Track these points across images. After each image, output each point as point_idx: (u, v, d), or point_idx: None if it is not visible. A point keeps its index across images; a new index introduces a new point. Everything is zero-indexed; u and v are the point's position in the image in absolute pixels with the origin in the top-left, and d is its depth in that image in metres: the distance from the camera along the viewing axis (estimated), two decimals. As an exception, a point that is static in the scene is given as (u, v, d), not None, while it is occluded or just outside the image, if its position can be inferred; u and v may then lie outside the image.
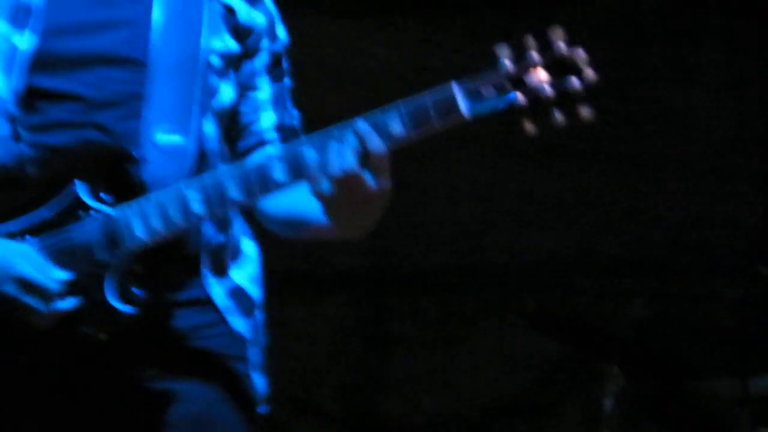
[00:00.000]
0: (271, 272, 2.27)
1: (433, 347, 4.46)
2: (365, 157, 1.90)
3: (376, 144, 1.89)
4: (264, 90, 2.22)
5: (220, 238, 2.15)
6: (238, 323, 2.18)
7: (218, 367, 2.14)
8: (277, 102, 2.24)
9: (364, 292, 4.59)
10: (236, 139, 2.22)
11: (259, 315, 2.24)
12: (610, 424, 3.46)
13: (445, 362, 4.47)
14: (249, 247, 2.22)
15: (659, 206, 4.44)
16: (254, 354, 2.20)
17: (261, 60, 2.20)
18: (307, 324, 4.67)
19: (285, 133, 2.23)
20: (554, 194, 4.52)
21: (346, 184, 1.91)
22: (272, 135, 2.21)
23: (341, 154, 1.91)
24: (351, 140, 1.90)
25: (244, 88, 2.21)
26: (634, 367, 3.51)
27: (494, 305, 4.46)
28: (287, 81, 2.25)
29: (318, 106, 2.45)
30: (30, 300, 2.01)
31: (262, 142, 2.20)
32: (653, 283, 4.36)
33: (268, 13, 2.22)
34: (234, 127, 2.22)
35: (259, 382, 2.19)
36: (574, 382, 4.35)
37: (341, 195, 1.94)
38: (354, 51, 4.58)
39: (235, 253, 2.20)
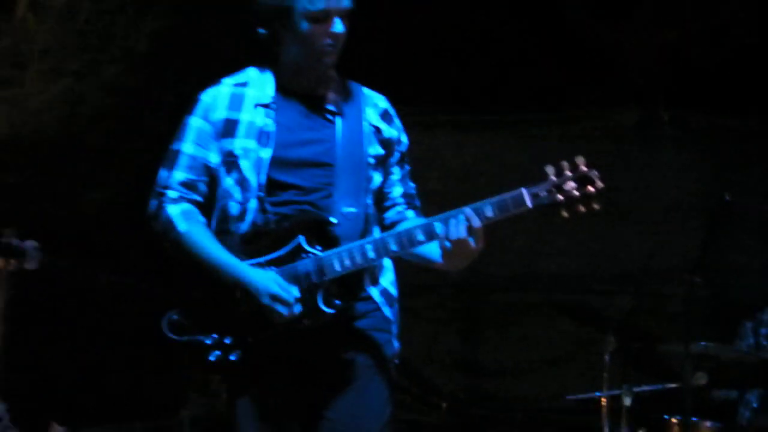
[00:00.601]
0: (402, 281, 2.93)
1: (504, 329, 5.59)
2: (470, 229, 2.56)
3: (476, 222, 2.57)
4: (396, 173, 2.89)
5: (375, 262, 2.74)
6: (387, 311, 2.82)
7: (372, 337, 2.78)
8: (403, 180, 2.90)
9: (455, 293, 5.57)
10: (380, 203, 2.86)
11: (396, 305, 2.86)
12: (608, 371, 4.43)
13: (507, 335, 5.65)
14: (387, 263, 2.86)
15: (634, 242, 5.52)
16: (395, 328, 2.84)
17: (395, 157, 2.88)
18: (424, 313, 5.59)
19: (408, 198, 2.90)
20: (569, 240, 5.52)
21: (459, 244, 2.58)
22: (401, 200, 2.89)
23: (457, 227, 2.56)
24: (462, 219, 2.57)
25: (385, 174, 2.86)
26: (622, 335, 4.40)
27: (536, 304, 5.61)
28: (407, 167, 2.91)
29: (425, 186, 3.07)
30: (278, 307, 2.62)
31: (394, 205, 2.88)
32: (633, 287, 5.34)
33: (398, 128, 2.89)
34: (379, 197, 2.86)
35: (396, 345, 2.85)
36: (585, 346, 5.46)
37: (454, 250, 2.59)
38: (455, 153, 5.56)
39: (381, 268, 2.83)
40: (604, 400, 4.47)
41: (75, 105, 5.32)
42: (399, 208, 2.85)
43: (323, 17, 2.68)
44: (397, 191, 2.86)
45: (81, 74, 5.24)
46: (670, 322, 4.98)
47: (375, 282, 2.78)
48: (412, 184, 2.90)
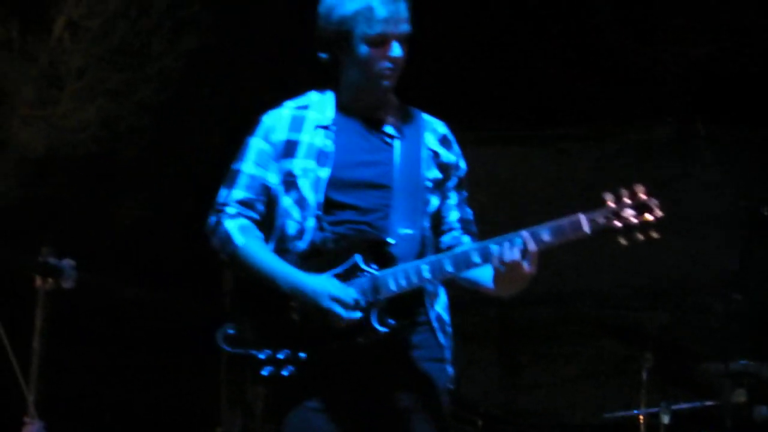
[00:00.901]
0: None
1: (541, 345, 5.69)
2: (525, 252, 2.54)
3: (532, 246, 2.55)
4: (452, 198, 2.88)
5: (430, 287, 2.77)
6: (441, 337, 2.80)
7: (427, 367, 2.76)
8: (459, 205, 2.89)
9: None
10: (437, 228, 2.86)
11: (449, 330, 2.84)
12: (646, 388, 4.45)
13: (544, 351, 5.75)
14: (441, 290, 2.84)
15: (671, 257, 5.46)
16: (448, 354, 2.82)
17: (452, 182, 2.87)
18: (461, 329, 5.87)
19: (464, 223, 2.89)
20: (605, 255, 5.42)
21: (512, 267, 2.55)
22: (457, 225, 2.88)
23: (512, 250, 2.55)
24: (518, 242, 2.55)
25: (443, 198, 2.86)
26: (660, 352, 4.42)
27: (573, 320, 5.67)
28: (465, 192, 2.90)
29: (485, 210, 3.15)
30: (336, 308, 2.63)
31: (451, 229, 2.87)
32: (670, 302, 5.37)
33: (456, 153, 2.89)
34: (436, 221, 2.85)
35: (450, 370, 2.82)
36: (623, 363, 5.44)
37: (508, 273, 2.57)
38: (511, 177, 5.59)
39: (436, 295, 2.81)
40: (642, 418, 4.46)
41: (111, 124, 5.38)
42: (455, 233, 2.88)
43: (381, 41, 2.73)
44: (453, 216, 2.89)
45: (117, 93, 5.30)
46: (707, 338, 4.99)
47: (430, 307, 2.80)
48: (469, 210, 2.92)
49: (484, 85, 5.57)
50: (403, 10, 2.74)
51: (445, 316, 2.83)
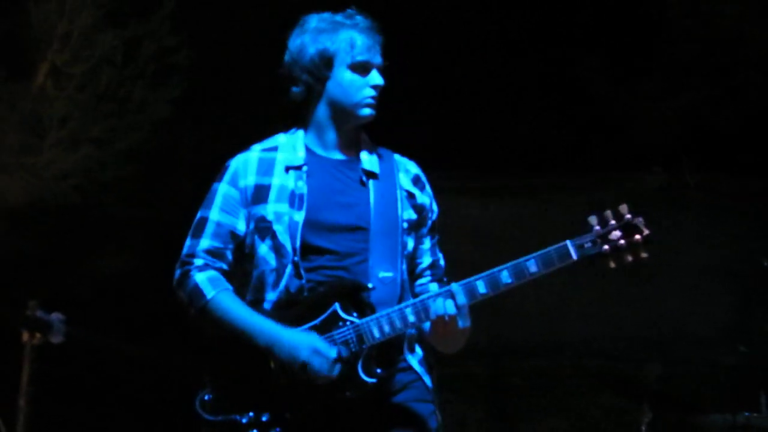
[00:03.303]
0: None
1: (534, 398, 5.61)
2: (458, 306, 2.49)
3: (462, 299, 2.50)
4: (425, 243, 2.81)
5: (412, 331, 2.69)
6: (427, 379, 2.73)
7: (420, 407, 2.69)
8: (432, 249, 2.82)
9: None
10: (411, 271, 2.78)
11: (434, 374, 2.76)
12: None
13: (539, 404, 5.66)
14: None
15: (662, 306, 5.48)
16: (434, 398, 2.74)
17: (426, 225, 2.80)
18: (452, 384, 5.50)
19: (434, 269, 2.81)
20: (595, 303, 5.52)
21: (442, 323, 2.52)
22: (427, 272, 2.80)
23: (443, 304, 2.50)
24: (446, 295, 2.51)
25: (416, 241, 2.78)
26: (657, 405, 4.38)
27: (565, 372, 5.60)
28: (437, 236, 2.83)
29: (453, 254, 2.96)
30: (317, 361, 2.52)
31: (421, 275, 2.79)
32: (663, 353, 5.16)
33: (429, 195, 2.82)
34: (410, 264, 2.78)
35: (439, 417, 2.72)
36: (621, 415, 5.33)
37: (440, 329, 2.54)
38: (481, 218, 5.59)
39: (416, 338, 2.74)
40: None
41: (94, 172, 5.28)
42: (423, 280, 2.80)
43: (364, 68, 2.69)
44: (426, 261, 2.81)
45: (100, 141, 5.20)
46: (707, 389, 4.95)
47: (412, 350, 2.72)
48: (440, 254, 2.84)
49: (469, 134, 5.59)
50: (380, 42, 2.73)
51: (430, 360, 2.76)
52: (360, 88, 2.68)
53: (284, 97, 2.73)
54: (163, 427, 5.16)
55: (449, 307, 2.48)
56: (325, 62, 2.68)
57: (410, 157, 2.87)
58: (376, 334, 2.56)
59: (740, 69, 5.85)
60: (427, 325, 2.62)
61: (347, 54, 2.68)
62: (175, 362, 5.04)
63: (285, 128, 2.78)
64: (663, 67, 6.03)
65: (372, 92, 2.70)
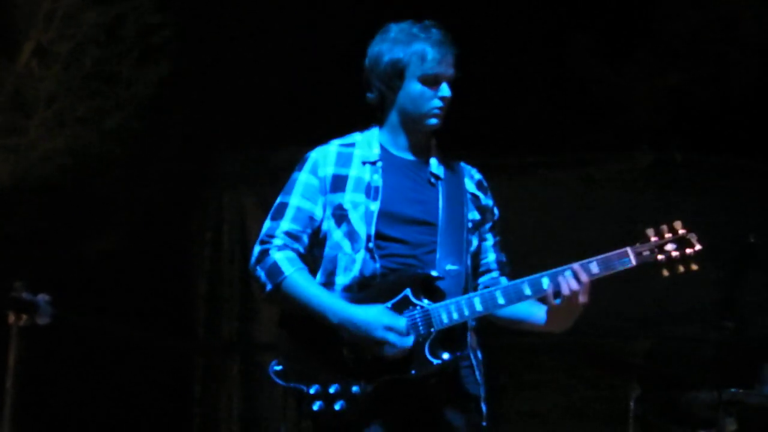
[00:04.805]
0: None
1: (522, 374, 5.67)
2: (582, 283, 2.66)
3: (584, 277, 2.67)
4: (489, 240, 2.98)
5: (474, 323, 2.85)
6: (478, 374, 2.87)
7: (470, 401, 2.83)
8: (495, 246, 2.99)
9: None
10: (475, 269, 2.93)
11: (483, 369, 2.90)
12: (633, 418, 4.36)
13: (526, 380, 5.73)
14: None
15: (651, 284, 5.07)
16: (483, 392, 2.88)
17: (488, 224, 2.98)
18: None
19: (501, 265, 2.97)
20: (593, 287, 5.43)
21: (569, 300, 2.68)
22: (495, 266, 2.96)
23: (568, 281, 2.67)
24: (570, 274, 2.67)
25: (480, 239, 2.96)
26: (645, 381, 4.35)
27: (553, 348, 5.57)
28: (499, 237, 3.00)
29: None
30: (390, 336, 2.67)
31: (489, 270, 2.96)
32: (651, 330, 5.34)
33: (492, 200, 3.01)
34: (474, 261, 2.93)
35: (485, 408, 2.87)
36: (609, 392, 5.38)
37: (564, 306, 2.70)
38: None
39: (477, 331, 2.88)
40: None
41: (80, 152, 5.26)
42: (494, 274, 2.95)
43: (434, 81, 2.86)
44: (491, 257, 2.97)
45: (86, 121, 5.18)
46: (694, 366, 4.95)
47: (471, 344, 2.86)
48: (504, 254, 3.00)
49: (459, 114, 5.60)
50: (452, 55, 2.89)
51: (480, 355, 2.89)
52: (428, 100, 2.85)
53: (362, 99, 2.92)
54: (151, 409, 5.19)
55: (573, 284, 2.65)
56: (398, 73, 2.85)
57: None
58: (445, 319, 2.70)
59: (730, 49, 5.89)
60: (503, 311, 2.77)
61: (418, 67, 2.84)
62: (163, 343, 5.12)
63: (361, 128, 2.97)
64: (653, 47, 6.05)
65: (439, 103, 2.86)
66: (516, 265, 2.93)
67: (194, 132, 5.58)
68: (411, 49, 2.85)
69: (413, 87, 2.84)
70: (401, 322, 2.67)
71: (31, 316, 3.25)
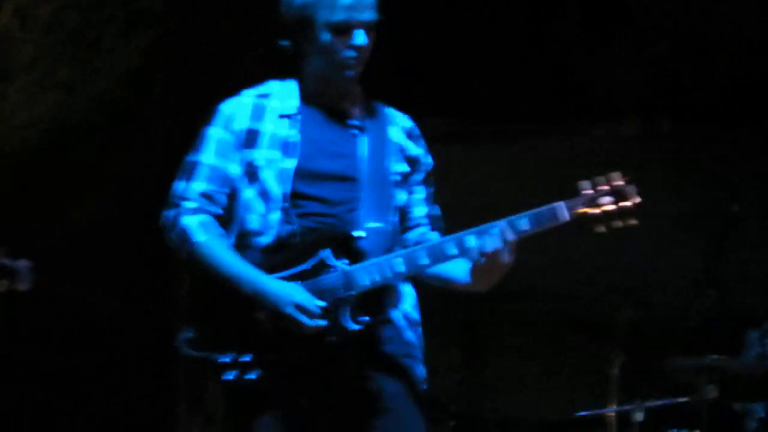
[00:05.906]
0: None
1: (503, 342, 5.74)
2: (505, 242, 2.52)
3: (511, 236, 2.51)
4: (419, 193, 2.84)
5: (399, 283, 2.71)
6: (409, 334, 2.75)
7: (399, 362, 2.71)
8: (427, 200, 2.85)
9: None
10: (403, 223, 2.81)
11: (419, 329, 2.79)
12: (617, 385, 4.59)
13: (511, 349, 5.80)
14: (407, 288, 2.80)
15: (637, 253, 5.58)
16: (419, 352, 2.76)
17: (419, 176, 2.84)
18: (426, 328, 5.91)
19: (432, 219, 2.84)
20: (570, 252, 5.59)
21: (492, 258, 2.53)
22: (424, 221, 2.83)
23: (492, 240, 2.51)
24: (495, 232, 2.51)
25: (409, 193, 2.81)
26: (630, 349, 4.60)
27: (540, 317, 5.75)
28: (431, 188, 2.86)
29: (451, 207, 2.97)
30: (301, 317, 2.55)
31: (417, 225, 2.83)
32: (636, 299, 5.31)
33: (422, 147, 2.85)
34: (402, 216, 2.81)
35: (421, 370, 2.76)
36: (592, 359, 5.53)
37: (487, 265, 2.54)
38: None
39: (401, 292, 2.77)
40: (613, 416, 4.56)
41: (62, 119, 5.18)
42: (422, 229, 2.81)
43: (344, 29, 2.64)
44: (420, 211, 2.83)
45: (69, 87, 5.08)
46: (677, 334, 4.92)
47: (396, 306, 2.75)
48: (436, 206, 2.86)
49: (454, 80, 5.55)
50: None
51: (414, 314, 2.76)
52: (340, 50, 2.64)
53: (277, 47, 2.72)
54: (132, 378, 5.20)
55: (496, 242, 2.49)
56: (306, 22, 2.64)
57: (391, 102, 2.85)
58: (366, 281, 2.57)
59: (714, 21, 5.78)
60: (432, 269, 2.61)
61: (326, 13, 2.62)
62: (146, 310, 5.10)
63: (279, 76, 2.78)
64: (638, 19, 5.94)
65: (353, 53, 2.65)
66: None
67: (181, 98, 5.52)
68: None
69: (323, 37, 2.63)
70: (315, 301, 2.54)
71: (11, 282, 3.20)
